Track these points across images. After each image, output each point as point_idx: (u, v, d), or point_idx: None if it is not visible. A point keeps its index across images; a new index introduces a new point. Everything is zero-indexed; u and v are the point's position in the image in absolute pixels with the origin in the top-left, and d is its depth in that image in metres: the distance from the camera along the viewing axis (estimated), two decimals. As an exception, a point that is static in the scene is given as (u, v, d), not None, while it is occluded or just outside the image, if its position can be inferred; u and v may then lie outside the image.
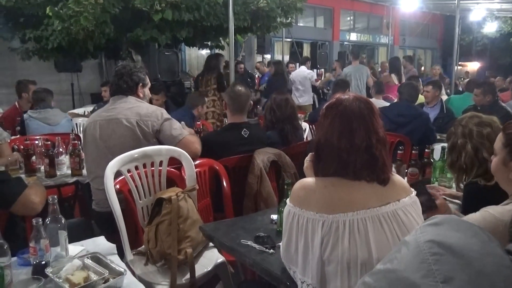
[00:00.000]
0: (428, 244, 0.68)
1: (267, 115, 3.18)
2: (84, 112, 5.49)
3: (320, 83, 8.24)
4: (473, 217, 1.35)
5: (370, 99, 1.46)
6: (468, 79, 6.82)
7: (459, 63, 12.09)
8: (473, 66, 16.32)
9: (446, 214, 1.47)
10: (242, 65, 7.47)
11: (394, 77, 7.05)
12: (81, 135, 3.69)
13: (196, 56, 11.40)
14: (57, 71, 6.96)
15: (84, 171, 2.67)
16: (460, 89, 7.87)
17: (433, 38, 18.79)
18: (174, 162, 2.23)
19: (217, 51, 7.46)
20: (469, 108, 4.01)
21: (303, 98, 7.37)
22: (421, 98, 4.39)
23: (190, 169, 2.20)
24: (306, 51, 11.04)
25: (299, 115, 3.78)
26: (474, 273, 0.63)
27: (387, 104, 4.31)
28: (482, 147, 1.77)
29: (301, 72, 7.59)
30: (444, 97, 5.62)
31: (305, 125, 4.14)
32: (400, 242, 0.77)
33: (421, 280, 0.65)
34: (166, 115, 2.39)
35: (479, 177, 1.77)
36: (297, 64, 8.54)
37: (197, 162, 2.35)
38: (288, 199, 1.31)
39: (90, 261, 1.39)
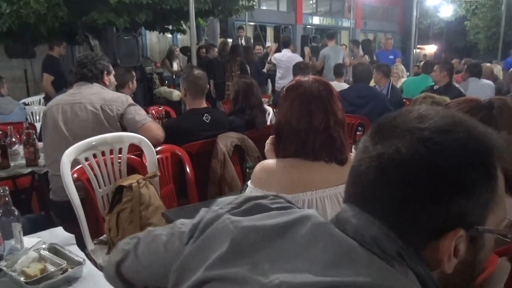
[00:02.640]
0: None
1: (238, 100, 3.10)
2: (40, 100, 5.25)
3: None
4: None
5: (331, 82, 1.48)
6: (424, 61, 7.05)
7: (418, 46, 12.47)
8: (430, 49, 16.90)
9: None
10: (204, 50, 7.37)
11: (367, 59, 7.23)
12: (36, 124, 3.55)
13: (157, 40, 11.10)
14: (8, 57, 6.59)
15: (40, 161, 2.58)
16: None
17: (393, 21, 19.23)
18: (136, 149, 2.19)
19: (178, 35, 7.32)
20: (426, 90, 4.17)
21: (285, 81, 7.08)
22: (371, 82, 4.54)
23: (151, 155, 2.16)
24: (270, 35, 11.04)
25: (263, 99, 3.80)
26: None
27: (347, 86, 4.40)
28: None
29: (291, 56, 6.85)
30: (404, 79, 5.81)
31: (268, 109, 4.15)
32: None
33: None
34: (131, 101, 2.39)
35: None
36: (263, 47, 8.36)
37: (159, 148, 2.31)
38: (249, 182, 1.32)
39: (47, 252, 1.34)
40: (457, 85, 4.35)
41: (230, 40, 9.76)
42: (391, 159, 0.55)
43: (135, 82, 3.82)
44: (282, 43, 6.92)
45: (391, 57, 7.38)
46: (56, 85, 4.92)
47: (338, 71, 5.10)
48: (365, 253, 0.55)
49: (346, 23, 15.84)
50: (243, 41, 8.26)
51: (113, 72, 2.52)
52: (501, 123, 1.28)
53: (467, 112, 1.33)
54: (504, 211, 0.60)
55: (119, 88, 3.47)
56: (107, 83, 2.44)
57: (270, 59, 6.92)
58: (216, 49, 7.23)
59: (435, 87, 4.22)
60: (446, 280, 0.57)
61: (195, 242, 0.67)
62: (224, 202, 0.71)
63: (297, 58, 6.54)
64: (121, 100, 2.33)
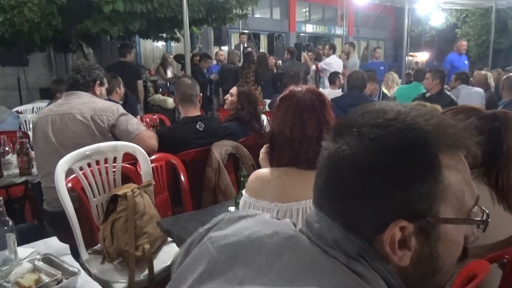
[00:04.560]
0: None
1: (244, 107, 3.06)
2: (33, 108, 5.23)
3: None
4: None
5: (324, 90, 1.51)
6: (415, 69, 7.13)
7: (410, 53, 12.60)
8: (422, 56, 17.06)
9: None
10: (198, 57, 7.40)
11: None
12: (29, 133, 3.53)
13: (151, 48, 11.12)
14: (0, 65, 6.56)
15: (34, 170, 2.57)
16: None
17: (385, 29, 19.43)
18: (130, 158, 2.19)
19: (172, 43, 7.33)
20: (418, 97, 4.22)
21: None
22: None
23: (145, 164, 2.16)
24: (263, 43, 11.09)
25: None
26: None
27: (341, 94, 4.44)
28: None
29: (338, 62, 7.28)
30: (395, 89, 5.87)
31: (263, 116, 4.17)
32: None
33: None
34: (122, 110, 2.36)
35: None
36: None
37: (153, 157, 2.31)
38: (244, 190, 1.33)
39: (42, 263, 1.34)
40: (448, 93, 4.41)
41: (225, 48, 9.81)
42: (336, 156, 0.57)
43: (122, 87, 3.87)
44: (331, 48, 7.38)
45: (382, 68, 7.47)
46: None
47: (331, 79, 5.15)
48: (329, 261, 0.55)
49: (339, 31, 15.97)
50: (245, 47, 8.39)
51: (106, 85, 2.50)
52: (505, 137, 1.30)
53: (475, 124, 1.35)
54: (472, 200, 0.58)
55: (107, 95, 3.52)
56: (98, 93, 2.41)
57: (319, 65, 7.37)
58: (209, 60, 7.33)
59: (427, 95, 4.28)
60: (406, 274, 0.57)
61: (180, 265, 0.68)
62: (213, 221, 0.72)
63: (341, 63, 7.15)
64: (112, 110, 2.30)
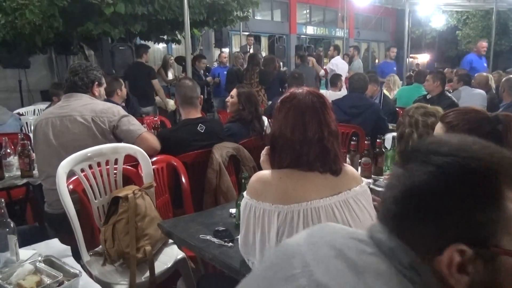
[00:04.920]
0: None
1: (245, 108, 3.07)
2: (34, 110, 5.25)
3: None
4: None
5: (324, 92, 1.51)
6: (416, 70, 7.12)
7: (410, 55, 12.60)
8: (423, 58, 17.05)
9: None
10: (205, 60, 7.43)
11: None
12: (31, 135, 3.54)
13: (152, 50, 11.11)
14: (2, 67, 6.58)
15: (35, 172, 2.57)
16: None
17: (386, 31, 19.43)
18: (131, 159, 2.20)
19: (173, 45, 7.34)
20: (419, 99, 4.21)
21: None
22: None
23: (147, 166, 2.16)
24: (264, 44, 11.10)
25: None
26: None
27: (342, 95, 4.45)
28: (427, 135, 1.87)
29: (343, 62, 7.42)
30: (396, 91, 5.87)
31: (264, 118, 4.17)
32: None
33: None
34: (122, 111, 2.36)
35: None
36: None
37: (155, 158, 2.32)
38: (245, 192, 1.33)
39: (43, 264, 1.34)
40: (449, 95, 4.41)
41: (226, 50, 9.82)
42: (404, 180, 0.63)
43: (123, 89, 3.88)
44: (336, 49, 7.56)
45: (395, 68, 7.43)
46: None
47: (332, 81, 5.15)
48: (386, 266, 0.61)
49: (339, 33, 15.97)
50: (251, 49, 8.40)
51: (104, 85, 2.49)
52: (507, 140, 1.30)
53: (474, 125, 1.36)
54: None
55: (108, 96, 3.53)
56: (97, 94, 2.41)
57: (327, 67, 7.44)
58: (204, 60, 7.31)
59: (428, 96, 4.27)
60: None
61: None
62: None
63: (346, 64, 7.39)
64: (112, 111, 2.30)
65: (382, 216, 0.67)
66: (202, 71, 7.14)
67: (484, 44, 6.90)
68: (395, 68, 7.45)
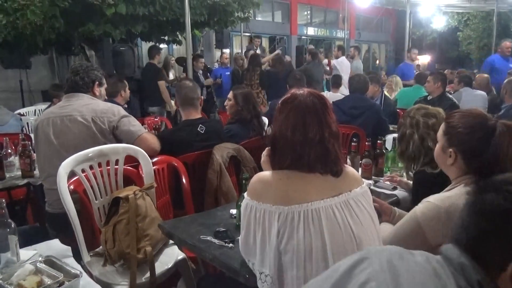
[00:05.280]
0: None
1: (244, 108, 3.07)
2: (35, 111, 5.25)
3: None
4: (416, 210, 1.42)
5: (325, 93, 1.51)
6: (417, 72, 7.12)
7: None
8: (423, 59, 17.04)
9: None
10: (202, 60, 7.42)
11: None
12: (32, 135, 3.54)
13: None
14: (3, 68, 6.59)
15: (36, 172, 2.57)
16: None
17: (386, 32, 19.44)
18: (132, 160, 2.20)
19: (174, 46, 7.34)
20: (419, 100, 4.22)
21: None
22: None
23: (147, 166, 2.16)
24: (265, 45, 11.09)
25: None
26: None
27: (342, 96, 4.45)
28: (427, 136, 1.87)
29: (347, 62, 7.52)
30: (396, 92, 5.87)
31: (265, 119, 4.18)
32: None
33: None
34: (123, 112, 2.36)
35: (426, 165, 1.87)
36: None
37: (155, 159, 2.32)
38: (245, 193, 1.33)
39: (44, 265, 1.34)
40: (450, 96, 4.41)
41: (227, 51, 9.81)
42: (479, 205, 0.74)
43: (127, 90, 3.88)
44: (340, 50, 7.67)
45: (416, 71, 7.31)
46: None
47: (335, 82, 5.15)
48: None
49: (340, 34, 15.98)
50: (258, 50, 8.39)
51: (105, 85, 2.50)
52: (497, 147, 1.30)
53: (467, 129, 1.36)
54: None
55: (111, 97, 3.55)
56: (97, 93, 2.41)
57: (332, 65, 7.54)
58: (201, 60, 7.30)
59: (429, 98, 4.28)
60: None
61: None
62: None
63: (349, 65, 7.47)
64: (113, 111, 2.30)
65: (455, 238, 0.76)
66: (200, 71, 7.11)
67: (508, 44, 6.61)
68: (415, 71, 7.42)
